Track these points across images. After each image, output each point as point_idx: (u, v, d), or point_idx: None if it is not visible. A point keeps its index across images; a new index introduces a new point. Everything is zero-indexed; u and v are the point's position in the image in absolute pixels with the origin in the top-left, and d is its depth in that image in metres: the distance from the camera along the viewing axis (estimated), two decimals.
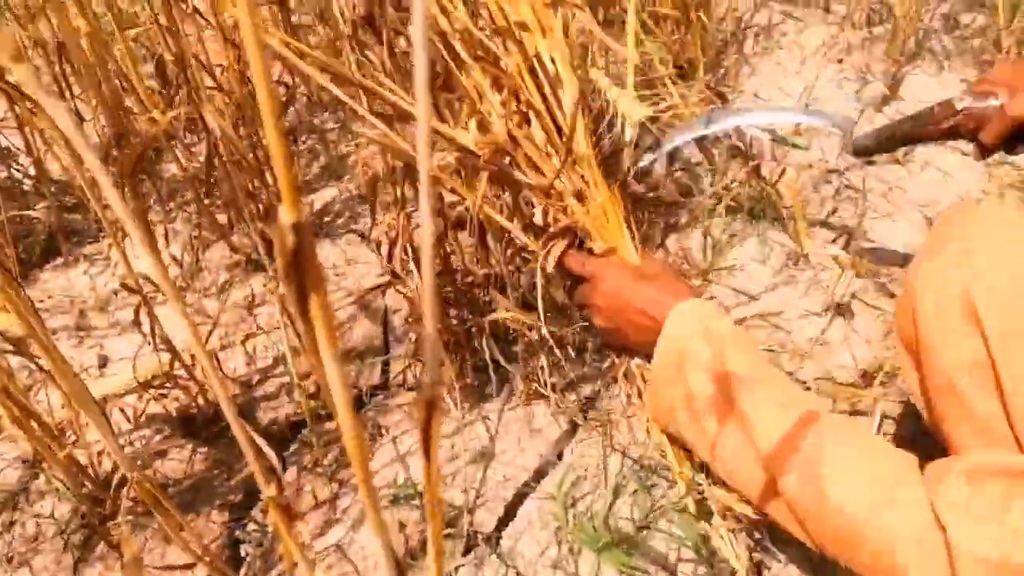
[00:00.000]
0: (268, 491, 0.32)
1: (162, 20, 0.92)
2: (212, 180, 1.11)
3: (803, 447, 0.57)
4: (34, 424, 0.75)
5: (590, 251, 0.75)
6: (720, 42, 1.49)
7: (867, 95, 1.36)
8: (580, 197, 0.73)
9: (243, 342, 1.00)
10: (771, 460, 0.58)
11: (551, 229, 0.73)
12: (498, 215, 0.75)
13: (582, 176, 0.72)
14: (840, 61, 1.45)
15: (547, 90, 0.69)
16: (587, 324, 0.79)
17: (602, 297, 0.71)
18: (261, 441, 0.54)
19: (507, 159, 0.70)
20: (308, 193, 1.23)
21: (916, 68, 1.43)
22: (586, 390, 0.95)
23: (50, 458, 0.76)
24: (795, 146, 1.30)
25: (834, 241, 1.15)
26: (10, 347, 0.72)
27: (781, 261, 1.09)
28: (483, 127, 0.68)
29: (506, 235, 0.78)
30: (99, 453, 0.87)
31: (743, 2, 1.63)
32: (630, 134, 0.75)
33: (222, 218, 1.16)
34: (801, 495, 0.56)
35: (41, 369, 0.78)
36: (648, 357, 0.69)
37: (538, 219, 0.75)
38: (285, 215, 0.23)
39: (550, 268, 0.74)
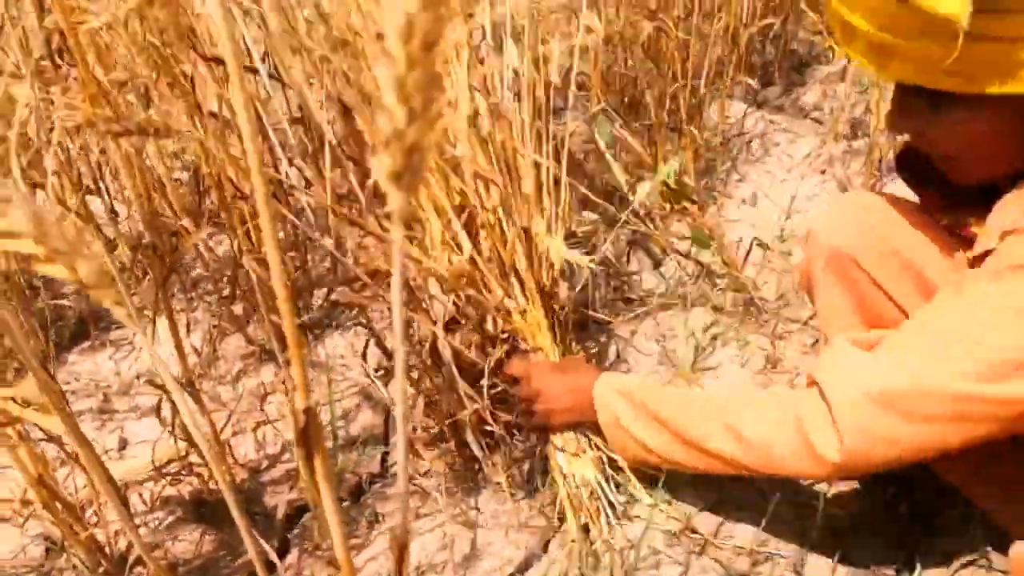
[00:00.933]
0: None
1: (200, 136, 1.03)
2: (233, 276, 1.21)
3: (704, 417, 0.80)
4: (59, 505, 0.82)
5: (524, 352, 0.96)
6: (712, 149, 1.60)
7: None
8: (522, 313, 0.93)
9: (254, 429, 1.07)
10: (693, 435, 0.80)
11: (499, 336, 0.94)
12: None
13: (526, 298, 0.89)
14: (823, 172, 1.55)
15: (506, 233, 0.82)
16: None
17: (536, 390, 0.91)
18: (257, 537, 0.61)
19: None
20: (320, 287, 1.32)
21: (894, 180, 1.52)
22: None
23: (72, 538, 0.83)
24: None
25: (813, 345, 1.22)
26: (43, 435, 0.80)
27: (759, 364, 1.16)
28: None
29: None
30: (115, 533, 0.93)
31: (736, 110, 1.74)
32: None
33: (238, 310, 1.25)
34: (723, 445, 0.78)
35: (68, 455, 0.85)
36: (577, 425, 0.93)
37: (488, 326, 0.94)
38: (299, 401, 0.32)
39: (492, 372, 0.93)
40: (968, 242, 0.74)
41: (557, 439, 0.94)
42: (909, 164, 0.83)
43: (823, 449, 0.70)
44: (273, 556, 0.78)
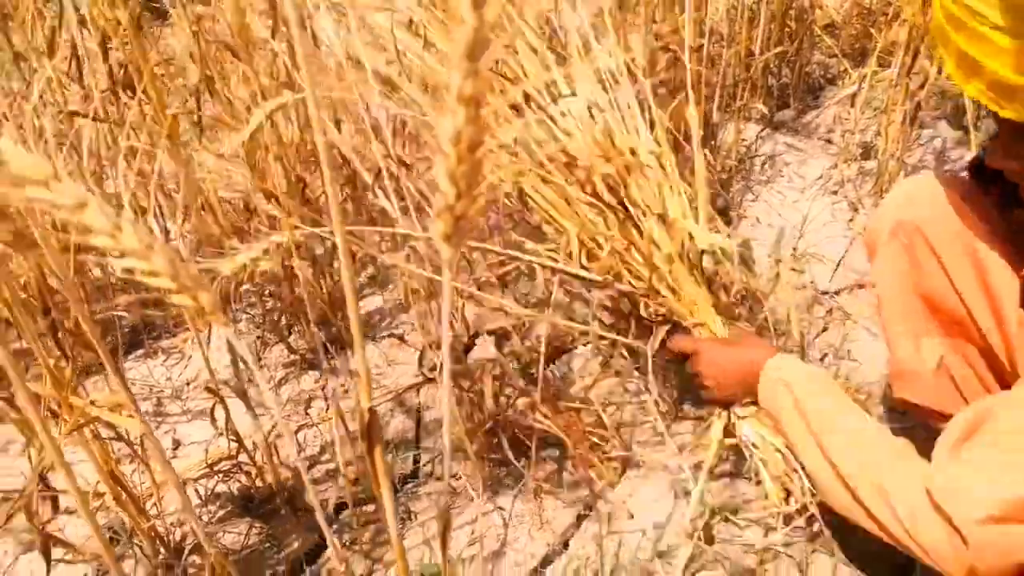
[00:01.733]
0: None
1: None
2: (277, 289, 1.30)
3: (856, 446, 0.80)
4: (126, 498, 0.91)
5: (686, 330, 1.01)
6: (727, 170, 1.67)
7: (857, 226, 1.52)
8: (673, 291, 1.01)
9: (295, 432, 1.16)
10: (842, 471, 0.80)
11: (655, 319, 1.02)
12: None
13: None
14: (835, 192, 1.62)
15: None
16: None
17: (706, 365, 0.96)
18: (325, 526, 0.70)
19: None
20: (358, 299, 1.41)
21: None
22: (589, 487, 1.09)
23: (137, 528, 0.92)
24: (793, 270, 1.46)
25: (822, 359, 1.28)
26: (116, 436, 0.89)
27: None
28: (592, 256, 0.99)
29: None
30: (171, 524, 1.03)
31: (751, 132, 1.81)
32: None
33: (281, 321, 1.35)
34: (871, 501, 0.76)
35: (136, 454, 0.95)
36: (749, 400, 0.95)
37: (643, 311, 1.03)
38: (364, 400, 0.40)
39: (653, 350, 0.99)
40: None
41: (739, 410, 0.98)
42: (984, 175, 0.85)
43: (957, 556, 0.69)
44: (334, 541, 0.87)
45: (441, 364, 1.01)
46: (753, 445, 0.95)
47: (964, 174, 0.91)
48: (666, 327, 1.01)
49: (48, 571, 0.87)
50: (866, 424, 0.84)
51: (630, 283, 1.01)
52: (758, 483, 0.99)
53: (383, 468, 0.42)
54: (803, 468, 0.90)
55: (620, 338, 1.06)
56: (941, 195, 0.90)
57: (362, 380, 0.40)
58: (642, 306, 1.03)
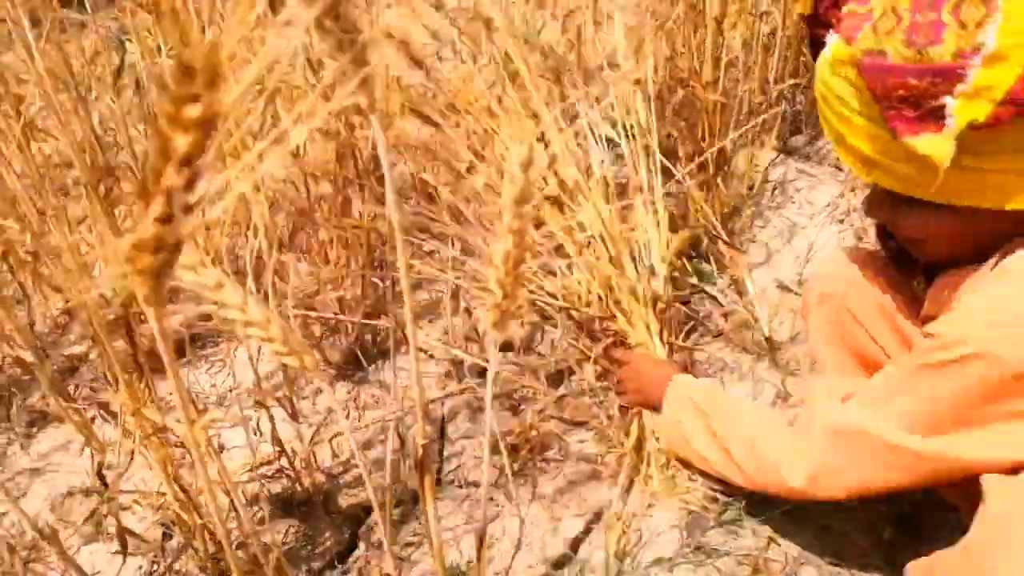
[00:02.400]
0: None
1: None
2: (311, 302, 1.40)
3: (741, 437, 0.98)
4: (185, 498, 1.02)
5: (628, 346, 1.23)
6: (740, 194, 1.75)
7: None
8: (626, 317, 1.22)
9: (330, 440, 1.26)
10: (730, 451, 0.99)
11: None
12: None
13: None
14: (841, 221, 1.70)
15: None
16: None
17: (630, 373, 1.17)
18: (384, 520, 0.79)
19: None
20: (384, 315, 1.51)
21: None
22: (599, 498, 1.18)
23: (191, 524, 1.03)
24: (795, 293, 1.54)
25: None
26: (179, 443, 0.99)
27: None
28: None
29: None
30: (219, 521, 1.13)
31: (765, 157, 1.90)
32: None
33: (317, 329, 1.45)
34: (745, 463, 0.96)
35: (193, 458, 1.05)
36: (653, 409, 1.13)
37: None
38: (419, 438, 0.50)
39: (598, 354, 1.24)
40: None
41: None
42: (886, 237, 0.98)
43: (794, 475, 0.89)
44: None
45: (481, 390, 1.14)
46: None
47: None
48: (610, 340, 1.25)
49: (124, 562, 0.97)
50: (745, 407, 1.08)
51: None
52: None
53: (431, 491, 0.51)
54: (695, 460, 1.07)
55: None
56: (855, 269, 1.05)
57: (419, 423, 0.49)
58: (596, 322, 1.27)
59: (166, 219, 0.31)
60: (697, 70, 1.59)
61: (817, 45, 0.84)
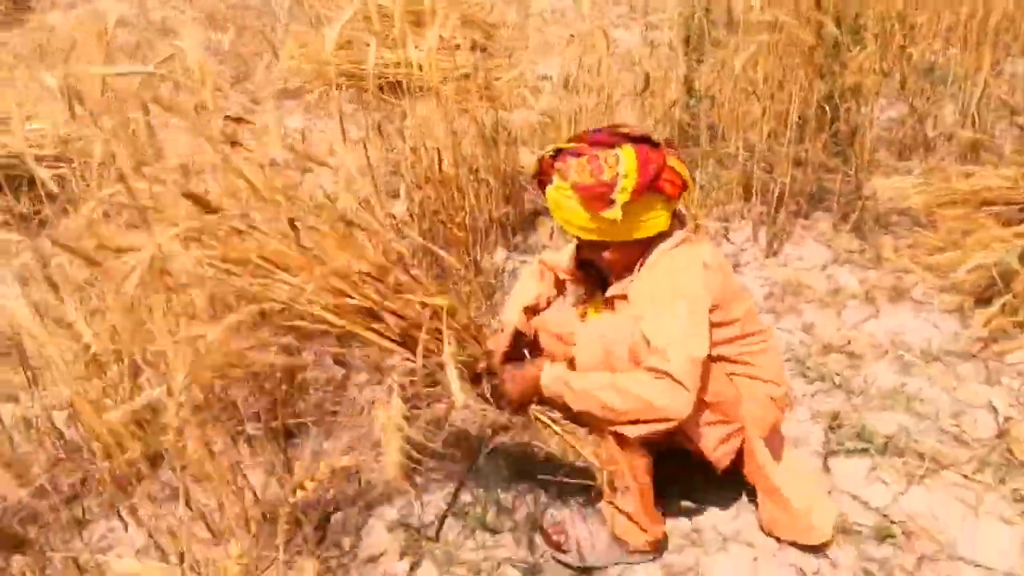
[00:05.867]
0: None
1: None
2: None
3: (605, 385, 1.56)
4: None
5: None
6: (490, 282, 2.71)
7: None
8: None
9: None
10: (596, 395, 1.57)
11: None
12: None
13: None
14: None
15: None
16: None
17: (508, 378, 1.68)
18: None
19: None
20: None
21: None
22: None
23: None
24: None
25: None
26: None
27: None
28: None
29: None
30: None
31: (500, 257, 2.88)
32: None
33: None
34: (614, 400, 1.55)
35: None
36: (536, 395, 1.67)
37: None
38: None
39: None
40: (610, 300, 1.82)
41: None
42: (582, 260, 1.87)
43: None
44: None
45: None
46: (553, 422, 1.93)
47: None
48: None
49: None
50: (606, 375, 1.59)
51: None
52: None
53: None
54: (579, 414, 1.63)
55: None
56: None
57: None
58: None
59: None
60: (451, 213, 2.55)
61: (543, 184, 1.72)
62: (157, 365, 1.83)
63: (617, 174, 1.55)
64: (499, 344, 1.89)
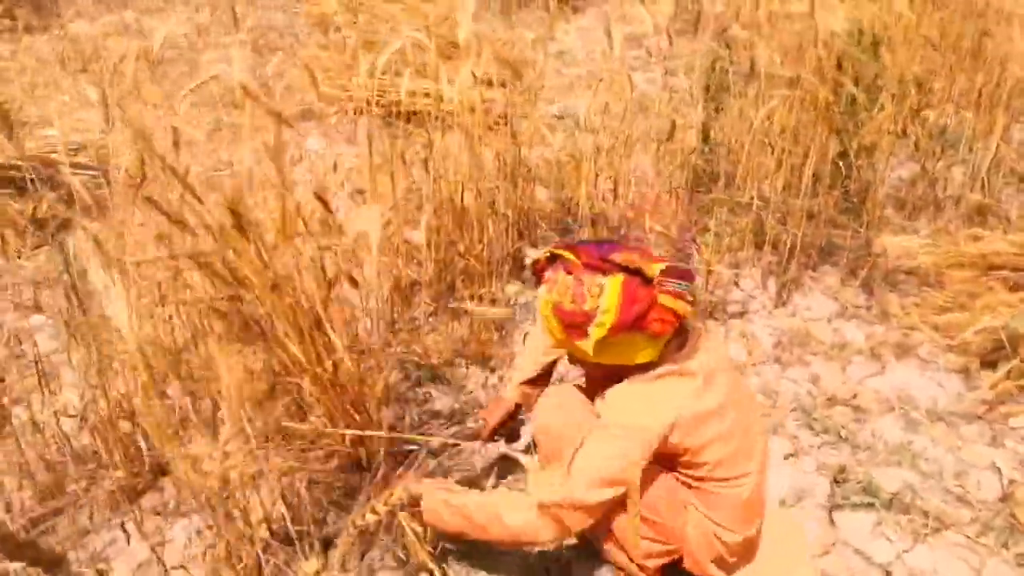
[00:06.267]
0: None
1: None
2: None
3: (480, 511, 1.60)
4: None
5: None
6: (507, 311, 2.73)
7: None
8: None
9: None
10: (474, 519, 1.61)
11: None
12: None
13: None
14: None
15: None
16: None
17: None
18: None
19: None
20: None
21: None
22: None
23: None
24: None
25: None
26: None
27: None
28: None
29: None
30: None
31: (511, 290, 2.91)
32: None
33: None
34: (487, 526, 1.60)
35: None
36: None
37: None
38: None
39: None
40: None
41: None
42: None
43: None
44: None
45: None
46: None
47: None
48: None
49: None
50: (477, 496, 1.64)
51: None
52: None
53: None
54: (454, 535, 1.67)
55: None
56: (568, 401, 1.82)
57: None
58: None
59: None
60: (469, 244, 2.58)
61: (539, 281, 1.61)
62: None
63: (597, 307, 1.50)
64: (492, 417, 2.01)
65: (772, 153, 3.03)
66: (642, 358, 1.56)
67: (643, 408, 1.55)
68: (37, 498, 2.02)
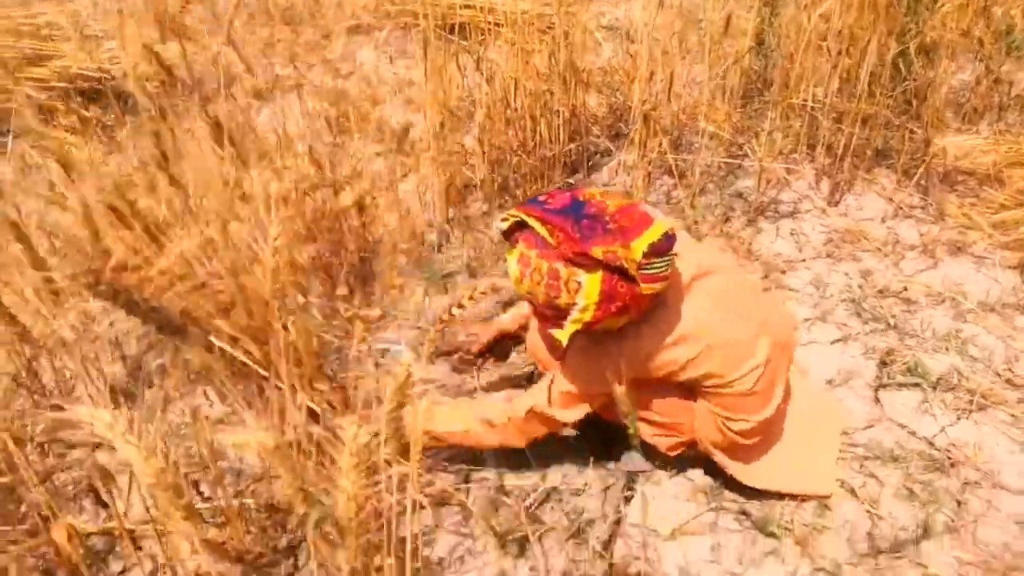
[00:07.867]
0: None
1: None
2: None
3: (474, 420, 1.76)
4: None
5: None
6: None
7: None
8: None
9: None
10: (470, 429, 1.77)
11: None
12: None
13: None
14: None
15: None
16: None
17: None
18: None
19: None
20: None
21: None
22: None
23: None
24: None
25: None
26: None
27: None
28: None
29: None
30: None
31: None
32: None
33: None
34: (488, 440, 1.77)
35: None
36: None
37: None
38: None
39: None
40: None
41: None
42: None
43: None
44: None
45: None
46: None
47: None
48: None
49: None
50: (470, 406, 1.90)
51: None
52: None
53: None
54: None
55: None
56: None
57: None
58: None
59: None
60: (523, 143, 2.63)
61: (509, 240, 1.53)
62: None
63: (574, 304, 1.45)
64: (484, 334, 2.14)
65: (828, 55, 2.98)
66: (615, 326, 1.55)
67: (594, 358, 1.62)
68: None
